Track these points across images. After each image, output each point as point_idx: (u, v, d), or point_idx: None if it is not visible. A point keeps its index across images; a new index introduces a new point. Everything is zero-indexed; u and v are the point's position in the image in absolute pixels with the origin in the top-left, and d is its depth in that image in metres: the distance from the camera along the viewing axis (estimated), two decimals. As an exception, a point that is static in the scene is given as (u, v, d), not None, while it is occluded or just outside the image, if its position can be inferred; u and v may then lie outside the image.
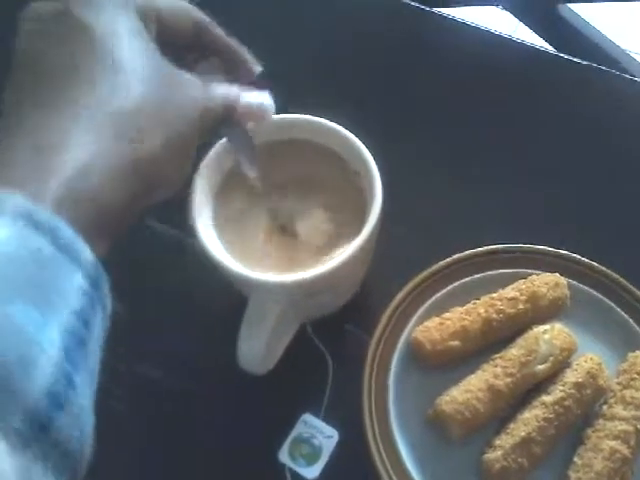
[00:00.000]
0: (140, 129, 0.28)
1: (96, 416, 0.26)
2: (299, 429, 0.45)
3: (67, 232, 0.24)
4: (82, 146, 0.26)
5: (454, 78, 0.61)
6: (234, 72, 0.36)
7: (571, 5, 0.72)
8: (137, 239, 0.51)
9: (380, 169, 0.42)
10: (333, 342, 0.48)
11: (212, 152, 0.42)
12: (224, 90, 0.34)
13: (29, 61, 0.28)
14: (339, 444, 0.45)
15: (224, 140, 0.41)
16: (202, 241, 0.39)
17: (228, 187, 0.43)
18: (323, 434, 0.45)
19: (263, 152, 0.43)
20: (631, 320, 0.46)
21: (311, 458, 0.44)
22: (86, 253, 0.25)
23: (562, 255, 0.48)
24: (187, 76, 0.32)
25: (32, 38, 0.28)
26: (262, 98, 0.36)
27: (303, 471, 0.44)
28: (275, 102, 0.38)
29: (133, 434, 0.46)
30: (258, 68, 0.37)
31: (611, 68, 0.62)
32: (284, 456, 0.44)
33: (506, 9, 0.77)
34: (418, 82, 0.62)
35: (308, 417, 0.45)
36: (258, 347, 0.40)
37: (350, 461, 0.44)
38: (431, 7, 0.64)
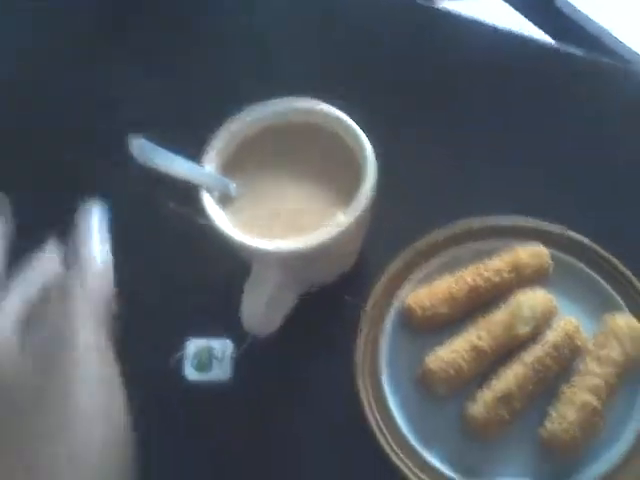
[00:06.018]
0: None
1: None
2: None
3: None
4: None
5: (452, 66, 0.65)
6: None
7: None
8: (152, 217, 0.57)
9: (376, 147, 0.46)
10: (333, 310, 0.52)
11: (222, 128, 0.47)
12: None
13: None
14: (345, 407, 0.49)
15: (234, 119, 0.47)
16: (207, 212, 0.44)
17: (236, 162, 0.48)
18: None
19: (269, 132, 0.48)
20: (609, 287, 0.50)
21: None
22: None
23: (545, 227, 0.52)
24: None
25: None
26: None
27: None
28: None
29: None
30: None
31: (607, 57, 0.65)
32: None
33: (507, 2, 0.80)
34: (417, 70, 0.65)
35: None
36: (259, 310, 0.45)
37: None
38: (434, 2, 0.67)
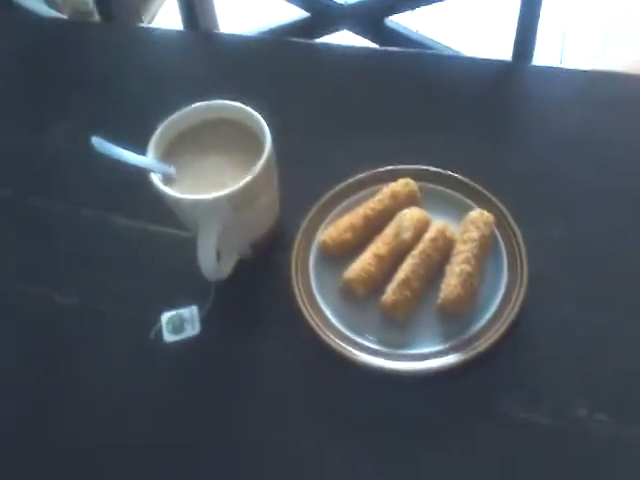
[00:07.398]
0: None
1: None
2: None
3: None
4: None
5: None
6: None
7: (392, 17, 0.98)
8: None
9: (279, 135, 0.61)
10: (269, 268, 0.67)
11: (162, 125, 0.62)
12: None
13: None
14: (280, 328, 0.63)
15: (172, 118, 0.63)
16: (156, 186, 0.57)
17: (173, 150, 0.62)
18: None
19: (198, 126, 0.63)
20: (468, 200, 0.67)
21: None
22: None
23: (411, 168, 0.69)
24: None
25: None
26: None
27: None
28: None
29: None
30: None
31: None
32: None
33: (353, 32, 1.02)
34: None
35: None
36: (210, 255, 0.58)
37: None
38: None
